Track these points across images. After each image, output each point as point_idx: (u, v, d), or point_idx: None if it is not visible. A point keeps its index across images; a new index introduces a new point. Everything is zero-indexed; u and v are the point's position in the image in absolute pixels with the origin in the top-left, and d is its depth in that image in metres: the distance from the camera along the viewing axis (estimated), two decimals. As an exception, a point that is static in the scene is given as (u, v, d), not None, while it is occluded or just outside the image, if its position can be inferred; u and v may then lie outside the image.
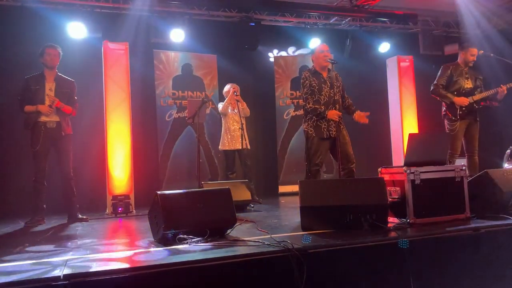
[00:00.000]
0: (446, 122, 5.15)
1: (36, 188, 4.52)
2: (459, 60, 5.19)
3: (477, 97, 5.03)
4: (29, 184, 4.57)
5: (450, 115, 5.05)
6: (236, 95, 5.75)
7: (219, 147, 5.96)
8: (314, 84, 4.35)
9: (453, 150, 4.98)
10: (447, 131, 5.09)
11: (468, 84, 5.07)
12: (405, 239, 2.79)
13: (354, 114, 4.41)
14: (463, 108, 4.99)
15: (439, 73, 5.17)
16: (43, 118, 4.54)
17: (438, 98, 5.19)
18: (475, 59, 5.11)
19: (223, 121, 5.96)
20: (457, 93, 5.04)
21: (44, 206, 4.58)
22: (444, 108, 5.15)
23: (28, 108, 4.52)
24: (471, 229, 3.10)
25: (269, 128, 7.66)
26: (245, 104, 5.83)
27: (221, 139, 5.92)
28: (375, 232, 3.07)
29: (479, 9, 7.28)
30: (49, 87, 4.60)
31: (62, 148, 4.65)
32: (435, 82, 5.15)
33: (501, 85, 4.96)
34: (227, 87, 6.02)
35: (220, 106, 5.90)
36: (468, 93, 5.05)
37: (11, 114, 5.59)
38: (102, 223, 4.67)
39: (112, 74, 5.67)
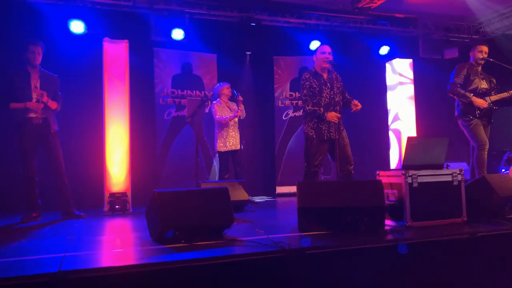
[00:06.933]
0: (461, 121, 4.97)
1: (28, 185, 4.49)
2: (472, 60, 5.07)
3: (495, 97, 4.91)
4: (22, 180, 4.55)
5: (468, 114, 4.86)
6: (238, 97, 5.73)
7: (217, 149, 5.89)
8: (315, 85, 4.34)
9: (480, 143, 4.82)
10: (463, 129, 4.96)
11: (483, 85, 4.95)
12: (402, 243, 2.80)
13: (351, 105, 4.41)
14: (481, 109, 4.84)
15: (454, 72, 5.01)
16: (30, 115, 4.49)
17: (455, 97, 5.01)
18: (484, 55, 4.98)
19: (218, 123, 5.91)
20: (473, 93, 4.88)
21: (39, 201, 4.56)
22: (461, 107, 4.94)
23: (15, 105, 4.44)
24: (467, 233, 3.10)
25: (268, 128, 7.66)
26: (242, 106, 5.82)
27: (217, 141, 5.85)
28: (372, 235, 3.07)
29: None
30: (34, 84, 4.54)
31: (52, 145, 4.63)
32: (452, 81, 4.98)
33: None
34: (221, 87, 5.97)
35: (219, 117, 5.79)
36: (484, 93, 4.93)
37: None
38: (99, 220, 4.66)
39: (112, 72, 5.65)
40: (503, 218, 3.60)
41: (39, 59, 4.59)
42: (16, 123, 4.49)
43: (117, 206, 5.27)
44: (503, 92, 4.93)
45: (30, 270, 2.22)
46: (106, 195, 5.42)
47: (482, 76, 5.01)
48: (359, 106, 4.36)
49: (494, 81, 5.08)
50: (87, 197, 5.79)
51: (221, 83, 6.01)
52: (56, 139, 4.67)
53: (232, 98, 5.87)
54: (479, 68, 5.04)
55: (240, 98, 5.72)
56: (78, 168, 5.83)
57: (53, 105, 4.62)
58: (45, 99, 4.50)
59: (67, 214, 4.67)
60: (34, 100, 4.49)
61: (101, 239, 3.50)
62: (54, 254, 2.66)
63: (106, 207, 5.35)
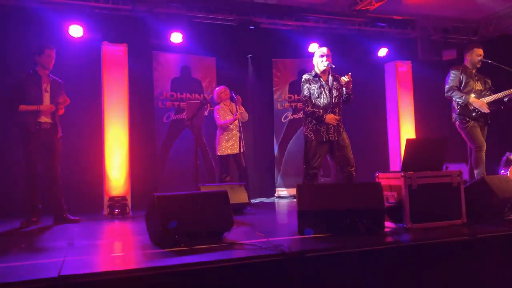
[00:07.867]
0: (458, 123, 4.98)
1: (30, 188, 4.49)
2: (466, 62, 5.08)
3: (490, 98, 4.90)
4: (24, 184, 4.54)
5: (465, 116, 4.88)
6: (237, 101, 5.74)
7: (218, 152, 5.88)
8: (314, 87, 4.37)
9: (477, 144, 4.83)
10: (460, 131, 4.97)
11: (478, 86, 4.96)
12: (401, 244, 2.80)
13: (342, 83, 4.39)
14: (477, 110, 4.84)
15: (449, 76, 5.03)
16: (40, 119, 4.51)
17: (453, 100, 5.02)
18: (482, 59, 4.99)
19: (220, 127, 5.92)
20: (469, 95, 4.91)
21: (40, 206, 4.56)
22: (457, 109, 4.96)
23: (26, 107, 4.45)
24: (467, 235, 3.10)
25: (267, 131, 7.66)
26: (243, 108, 5.83)
27: (218, 144, 5.86)
28: (372, 237, 3.07)
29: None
30: (45, 88, 4.57)
31: (56, 149, 4.64)
32: (448, 84, 5.00)
33: None
34: (218, 91, 5.99)
35: (222, 121, 5.81)
36: (480, 95, 4.94)
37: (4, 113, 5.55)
38: (98, 224, 4.66)
39: (111, 75, 5.67)
40: (502, 220, 3.60)
41: (52, 63, 4.65)
42: (23, 124, 4.48)
43: (116, 210, 5.27)
44: (498, 93, 4.92)
45: (30, 275, 2.22)
46: (106, 199, 5.42)
47: (476, 78, 5.02)
48: (350, 80, 4.30)
49: (489, 82, 5.09)
50: (87, 201, 5.78)
51: (218, 88, 6.08)
52: (60, 144, 4.70)
53: (233, 100, 5.89)
54: (474, 70, 5.05)
55: (239, 99, 5.73)
56: (77, 172, 5.82)
57: (61, 110, 4.67)
58: (66, 103, 4.59)
59: (61, 219, 4.63)
60: (44, 103, 4.51)
61: (101, 243, 3.49)
62: (53, 259, 2.66)
63: (105, 211, 5.35)
